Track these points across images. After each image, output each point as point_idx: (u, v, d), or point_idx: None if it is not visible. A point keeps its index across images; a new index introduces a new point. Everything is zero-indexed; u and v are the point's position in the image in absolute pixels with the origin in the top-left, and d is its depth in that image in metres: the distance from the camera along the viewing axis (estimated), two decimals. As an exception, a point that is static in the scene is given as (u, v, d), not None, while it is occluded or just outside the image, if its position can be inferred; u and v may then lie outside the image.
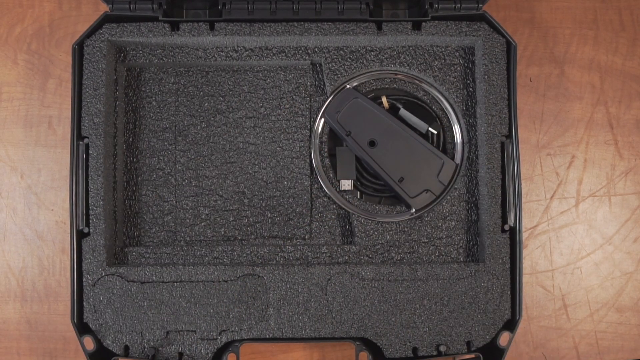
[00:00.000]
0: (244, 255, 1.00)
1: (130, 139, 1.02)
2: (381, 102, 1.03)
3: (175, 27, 0.99)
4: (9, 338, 1.07)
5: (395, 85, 1.03)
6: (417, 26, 1.00)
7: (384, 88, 1.03)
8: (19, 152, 1.08)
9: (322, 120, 1.02)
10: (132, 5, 0.98)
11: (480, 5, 0.99)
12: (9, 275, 1.07)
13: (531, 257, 1.07)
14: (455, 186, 1.01)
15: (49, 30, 1.10)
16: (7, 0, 1.10)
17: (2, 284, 1.07)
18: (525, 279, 1.06)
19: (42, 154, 1.08)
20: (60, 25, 1.10)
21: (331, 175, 1.02)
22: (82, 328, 0.96)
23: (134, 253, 1.00)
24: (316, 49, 1.02)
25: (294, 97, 1.03)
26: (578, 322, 1.07)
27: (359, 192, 1.03)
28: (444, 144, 1.03)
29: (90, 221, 0.96)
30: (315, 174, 1.02)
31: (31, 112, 1.08)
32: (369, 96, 1.03)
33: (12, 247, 1.07)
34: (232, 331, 0.96)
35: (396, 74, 1.02)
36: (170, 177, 1.02)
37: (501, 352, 0.95)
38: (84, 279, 0.96)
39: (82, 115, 0.97)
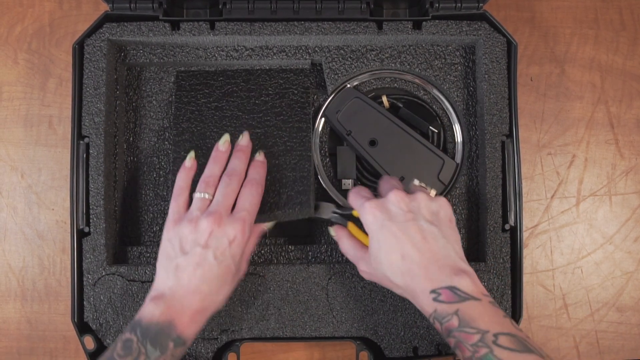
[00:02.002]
0: (245, 254, 1.00)
1: (131, 139, 1.02)
2: (382, 102, 1.03)
3: (175, 26, 0.99)
4: (9, 337, 1.07)
5: (395, 84, 1.03)
6: (417, 25, 1.00)
7: (384, 87, 1.03)
8: (19, 151, 1.08)
9: (323, 119, 1.02)
10: (132, 5, 0.98)
11: (481, 4, 0.99)
12: (9, 274, 1.07)
13: (532, 257, 1.07)
14: (456, 186, 1.01)
15: (49, 30, 1.10)
16: (7, 0, 1.10)
17: (3, 284, 1.07)
18: (525, 278, 1.06)
19: (42, 153, 1.08)
20: (61, 25, 1.10)
21: (332, 174, 1.02)
22: (82, 327, 0.96)
23: (134, 252, 1.00)
24: (316, 49, 1.01)
25: (294, 96, 1.03)
26: (578, 322, 1.07)
27: (359, 192, 1.04)
28: (445, 144, 1.03)
29: (91, 220, 0.96)
30: (316, 174, 1.02)
31: (31, 112, 1.08)
32: (369, 95, 1.03)
33: (13, 246, 1.07)
34: (233, 330, 0.96)
35: (397, 73, 1.02)
36: (170, 177, 1.02)
37: (502, 351, 0.95)
38: (85, 279, 0.96)
39: (83, 114, 0.97)
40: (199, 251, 0.84)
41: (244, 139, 0.94)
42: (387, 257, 0.82)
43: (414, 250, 0.81)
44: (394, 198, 0.84)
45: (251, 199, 0.89)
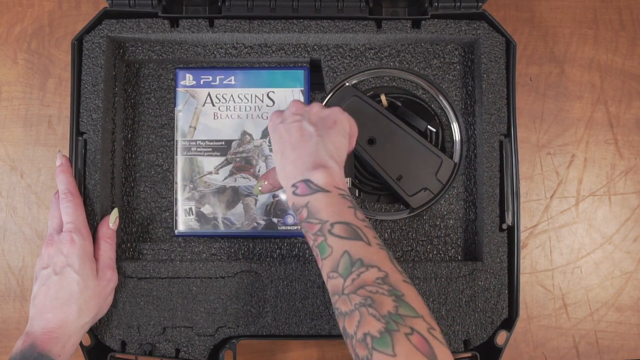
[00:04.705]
0: (241, 251, 0.99)
1: (129, 135, 1.02)
2: (380, 100, 1.03)
3: (174, 23, 0.99)
4: (9, 337, 1.07)
5: (394, 83, 1.03)
6: (416, 24, 1.00)
7: (383, 86, 1.03)
8: (19, 151, 1.08)
9: (321, 118, 1.02)
10: (131, 1, 0.98)
11: (480, 4, 0.99)
12: (8, 274, 1.07)
13: (531, 257, 1.07)
14: (454, 185, 1.01)
15: (48, 30, 1.10)
16: (7, 0, 1.11)
17: (2, 283, 1.07)
18: (525, 278, 1.06)
19: (42, 153, 1.08)
20: (60, 25, 1.10)
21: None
22: (79, 324, 0.96)
23: (131, 249, 1.00)
24: (315, 47, 1.02)
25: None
26: (578, 322, 1.06)
27: (357, 190, 1.03)
28: (443, 143, 1.03)
29: (88, 218, 0.96)
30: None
31: (31, 112, 1.09)
32: (368, 94, 1.03)
33: (12, 246, 1.07)
34: (229, 327, 0.96)
35: (396, 72, 1.03)
36: (168, 174, 1.02)
37: (498, 351, 0.95)
38: (82, 276, 0.96)
39: (81, 111, 0.97)
40: (42, 273, 0.90)
41: (57, 160, 0.95)
42: (275, 157, 0.87)
43: (290, 148, 0.85)
44: (291, 105, 0.89)
45: (68, 210, 0.92)
